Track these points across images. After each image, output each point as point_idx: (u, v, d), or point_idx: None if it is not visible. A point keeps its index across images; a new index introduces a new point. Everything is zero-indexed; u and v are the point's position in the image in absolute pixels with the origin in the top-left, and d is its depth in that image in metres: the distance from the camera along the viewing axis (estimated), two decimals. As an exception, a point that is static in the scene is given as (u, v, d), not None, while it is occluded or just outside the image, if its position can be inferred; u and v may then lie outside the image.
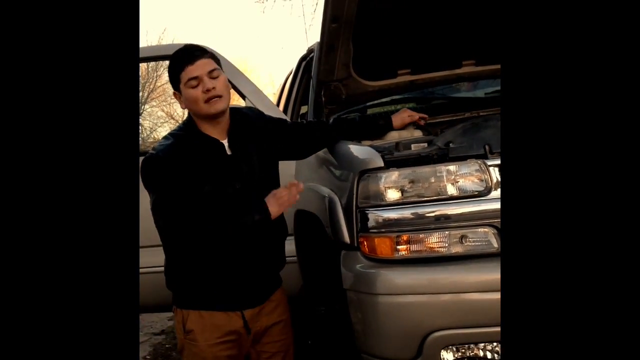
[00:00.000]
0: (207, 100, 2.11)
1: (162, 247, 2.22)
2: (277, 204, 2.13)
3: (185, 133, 2.18)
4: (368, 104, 3.47)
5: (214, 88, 2.10)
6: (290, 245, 3.07)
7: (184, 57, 2.14)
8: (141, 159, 2.09)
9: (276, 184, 2.31)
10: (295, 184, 2.16)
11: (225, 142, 2.20)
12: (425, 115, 2.82)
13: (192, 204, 2.08)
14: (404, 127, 2.78)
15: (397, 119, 2.73)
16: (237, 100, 3.95)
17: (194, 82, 2.11)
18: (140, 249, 2.60)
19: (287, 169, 2.87)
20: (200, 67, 2.11)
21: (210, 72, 2.12)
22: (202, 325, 2.19)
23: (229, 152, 2.19)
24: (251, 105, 3.12)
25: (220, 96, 2.12)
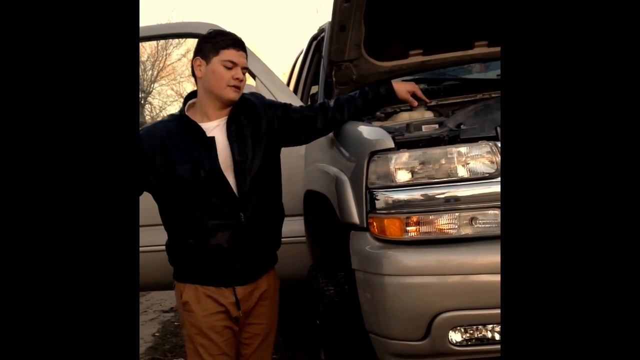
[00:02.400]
0: (231, 86, 2.25)
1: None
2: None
3: (177, 114, 2.37)
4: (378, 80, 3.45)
5: (241, 80, 2.28)
6: (299, 225, 3.09)
7: (234, 41, 2.29)
8: None
9: (275, 170, 2.39)
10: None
11: (215, 122, 2.29)
12: (427, 100, 2.77)
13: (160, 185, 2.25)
14: (412, 108, 2.74)
15: (400, 87, 2.63)
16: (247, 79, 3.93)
17: (230, 65, 2.25)
18: (149, 228, 2.65)
19: (296, 148, 2.87)
20: (242, 58, 2.29)
21: (244, 68, 2.31)
22: (196, 297, 2.30)
23: (212, 135, 2.27)
24: (257, 89, 3.14)
25: (240, 89, 2.29)
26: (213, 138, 2.26)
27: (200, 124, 2.28)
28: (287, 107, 2.47)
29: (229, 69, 2.25)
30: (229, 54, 2.25)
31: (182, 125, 2.29)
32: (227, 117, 2.30)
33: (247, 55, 2.33)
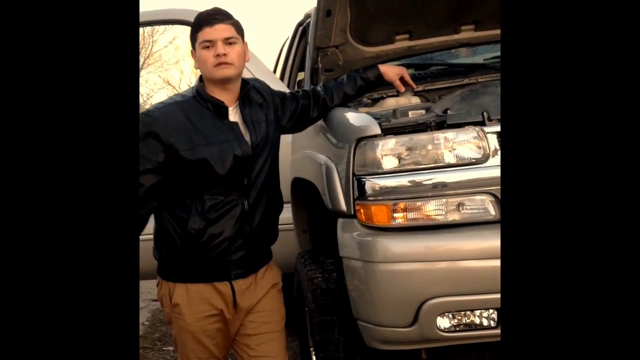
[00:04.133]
0: (216, 65, 2.13)
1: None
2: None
3: (192, 93, 2.21)
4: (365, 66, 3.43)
5: (224, 55, 2.12)
6: (287, 213, 3.08)
7: (205, 18, 2.16)
8: None
9: (277, 157, 2.32)
10: None
11: (231, 109, 2.20)
12: (414, 85, 2.77)
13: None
14: (399, 94, 2.73)
15: (388, 69, 2.64)
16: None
17: (207, 44, 2.14)
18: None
19: (283, 136, 2.85)
20: (217, 32, 2.14)
21: (227, 39, 2.15)
22: (188, 298, 2.21)
23: (232, 119, 2.19)
24: (252, 75, 3.10)
25: (230, 64, 2.14)
26: (236, 123, 2.19)
27: None
28: (286, 96, 2.44)
29: (208, 48, 2.14)
30: (203, 35, 2.14)
31: (202, 107, 2.17)
32: (238, 100, 2.23)
33: (231, 23, 2.17)
